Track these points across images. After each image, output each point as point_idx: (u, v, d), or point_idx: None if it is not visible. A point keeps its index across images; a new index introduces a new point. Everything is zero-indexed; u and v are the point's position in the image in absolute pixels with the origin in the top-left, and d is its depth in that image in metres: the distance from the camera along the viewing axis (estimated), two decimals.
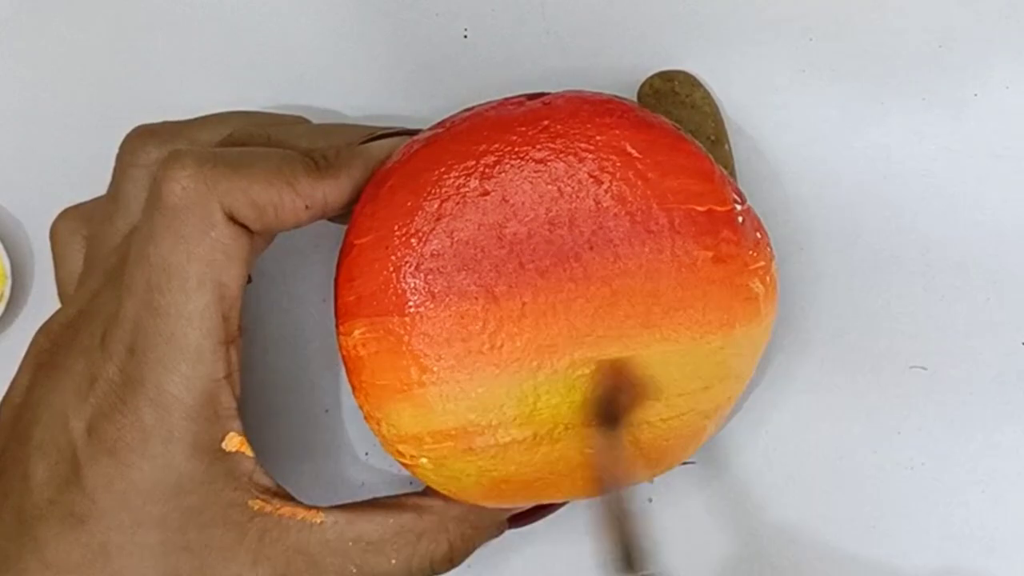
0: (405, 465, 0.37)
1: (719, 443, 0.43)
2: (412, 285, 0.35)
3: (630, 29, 0.44)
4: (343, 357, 0.37)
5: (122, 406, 0.35)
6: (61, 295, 0.40)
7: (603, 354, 0.35)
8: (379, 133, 0.39)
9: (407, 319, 0.35)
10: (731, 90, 0.44)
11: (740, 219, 0.37)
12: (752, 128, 0.43)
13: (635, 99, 0.43)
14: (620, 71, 0.44)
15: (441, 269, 0.35)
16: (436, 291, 0.35)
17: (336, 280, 0.37)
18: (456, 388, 0.35)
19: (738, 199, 0.37)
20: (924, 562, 0.43)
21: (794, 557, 0.43)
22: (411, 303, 0.35)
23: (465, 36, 0.45)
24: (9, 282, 0.44)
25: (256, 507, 0.36)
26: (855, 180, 0.43)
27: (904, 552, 0.43)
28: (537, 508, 0.40)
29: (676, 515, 0.43)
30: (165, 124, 0.39)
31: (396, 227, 0.36)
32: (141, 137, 0.39)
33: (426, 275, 0.35)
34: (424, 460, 0.37)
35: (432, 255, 0.35)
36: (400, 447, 0.37)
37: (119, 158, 0.39)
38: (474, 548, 0.39)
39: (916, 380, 0.42)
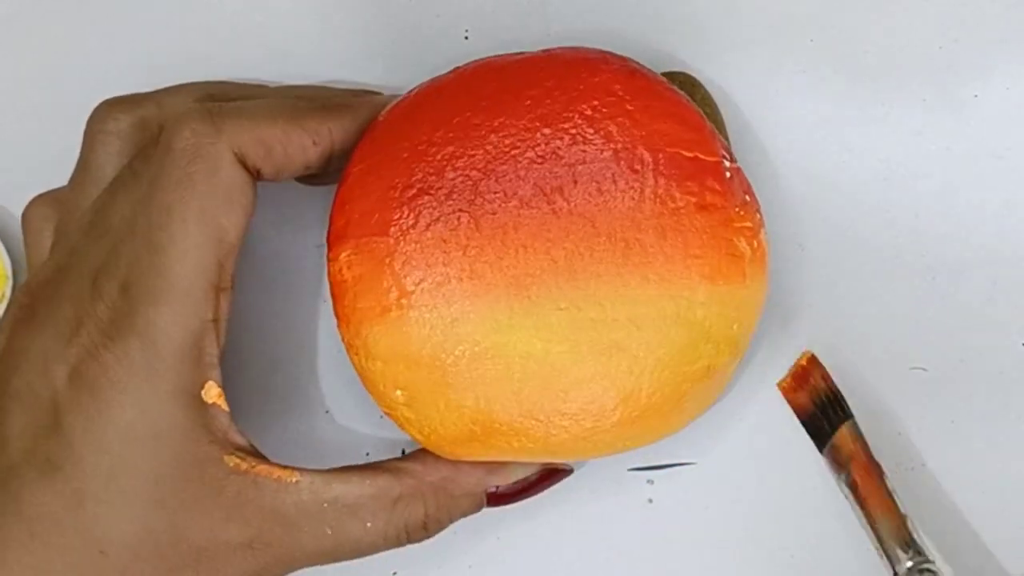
0: (383, 407, 0.38)
1: (718, 444, 0.43)
2: (398, 207, 0.36)
3: (631, 30, 0.44)
4: (330, 285, 0.37)
5: (109, 343, 0.35)
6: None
7: (581, 288, 0.36)
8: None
9: (390, 240, 0.36)
10: (732, 91, 0.44)
11: (728, 174, 0.37)
12: (752, 129, 0.43)
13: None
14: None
15: (427, 192, 0.36)
16: (420, 214, 0.36)
17: (333, 203, 0.38)
18: (433, 313, 0.36)
19: (727, 156, 0.38)
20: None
21: (795, 558, 0.43)
22: (395, 224, 0.36)
23: (466, 37, 0.45)
24: (9, 282, 0.44)
25: (231, 464, 0.36)
26: (855, 181, 0.43)
27: None
28: (517, 489, 0.40)
29: (676, 515, 0.43)
30: (133, 94, 0.39)
31: (388, 153, 0.37)
32: (108, 105, 0.39)
33: (412, 198, 0.36)
34: (399, 393, 0.37)
35: (420, 180, 0.36)
36: (376, 377, 0.37)
37: (87, 128, 0.39)
38: (450, 520, 0.39)
39: (917, 381, 0.42)
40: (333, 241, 0.37)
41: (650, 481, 0.43)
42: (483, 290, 0.36)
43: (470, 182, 0.36)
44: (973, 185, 0.43)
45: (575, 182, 0.36)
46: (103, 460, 0.35)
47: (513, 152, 0.36)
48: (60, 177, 0.40)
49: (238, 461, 0.36)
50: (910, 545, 0.38)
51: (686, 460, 0.42)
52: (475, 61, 0.39)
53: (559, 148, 0.36)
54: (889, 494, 0.39)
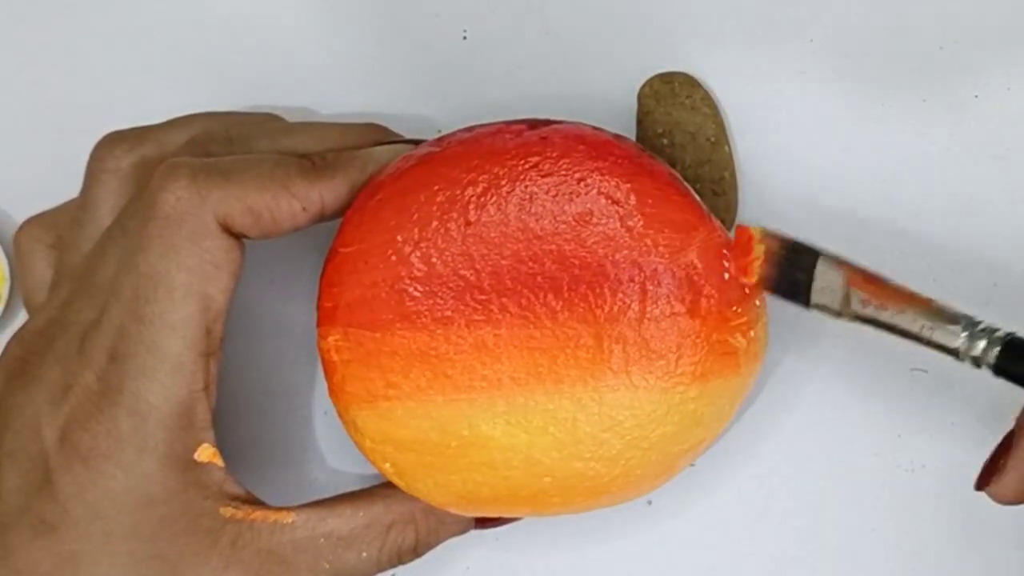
0: (373, 463, 0.38)
1: (719, 446, 0.42)
2: (386, 304, 0.36)
3: (630, 30, 0.44)
4: (320, 355, 0.37)
5: (98, 414, 0.35)
6: (28, 305, 0.40)
7: (567, 394, 0.36)
8: (385, 140, 0.39)
9: (378, 335, 0.36)
10: (731, 91, 0.43)
11: (726, 275, 0.37)
12: (752, 129, 0.43)
13: (636, 101, 0.43)
14: (620, 72, 0.43)
15: (416, 291, 0.36)
16: (409, 312, 0.36)
17: (320, 281, 0.38)
18: (420, 407, 0.36)
19: (728, 252, 0.37)
20: (926, 564, 0.42)
21: (795, 560, 0.42)
22: (383, 321, 0.36)
23: (464, 37, 0.45)
24: (8, 283, 0.44)
25: (227, 515, 0.36)
26: (855, 181, 0.43)
27: (906, 555, 0.42)
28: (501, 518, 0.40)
29: (675, 518, 0.43)
30: (133, 129, 0.39)
31: (378, 243, 0.36)
32: (110, 142, 0.39)
33: (401, 296, 0.36)
34: (388, 465, 0.37)
35: (409, 277, 0.36)
36: (365, 450, 0.38)
37: (89, 165, 0.39)
38: (439, 542, 0.39)
39: (917, 382, 0.42)
40: (322, 320, 0.37)
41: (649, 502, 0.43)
42: (469, 391, 0.36)
43: (460, 284, 0.36)
44: (973, 185, 0.43)
45: (568, 288, 0.36)
46: (97, 524, 0.35)
47: (502, 253, 0.36)
48: (58, 180, 0.40)
49: (233, 511, 0.36)
50: (954, 318, 0.35)
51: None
52: (468, 131, 0.38)
53: (552, 252, 0.36)
54: (902, 288, 0.36)
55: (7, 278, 0.44)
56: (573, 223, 0.36)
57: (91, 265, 0.37)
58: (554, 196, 0.36)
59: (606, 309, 0.36)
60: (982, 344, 0.35)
